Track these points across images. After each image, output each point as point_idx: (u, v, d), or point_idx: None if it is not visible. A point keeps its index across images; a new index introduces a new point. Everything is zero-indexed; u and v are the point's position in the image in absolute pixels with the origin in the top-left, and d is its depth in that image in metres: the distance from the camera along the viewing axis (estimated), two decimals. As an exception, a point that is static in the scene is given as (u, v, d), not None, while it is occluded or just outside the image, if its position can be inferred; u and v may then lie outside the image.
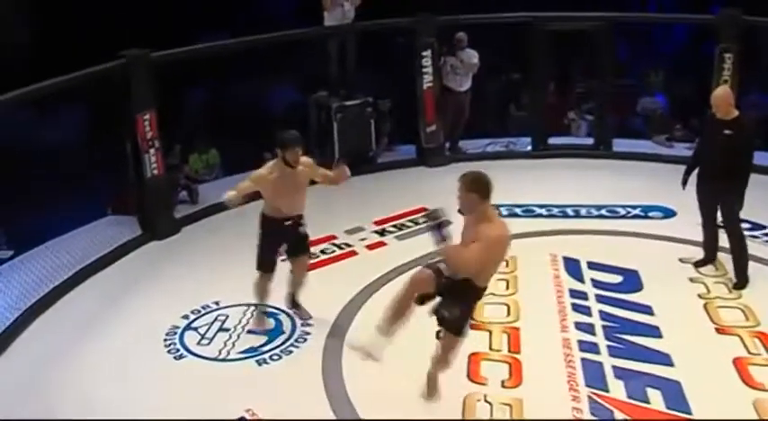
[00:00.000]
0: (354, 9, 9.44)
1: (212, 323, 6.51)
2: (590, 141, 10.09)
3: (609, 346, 5.98)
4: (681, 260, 7.11)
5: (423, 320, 5.76)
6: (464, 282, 4.98)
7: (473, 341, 6.03)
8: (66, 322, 6.64)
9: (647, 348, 5.96)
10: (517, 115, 11.45)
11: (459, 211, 5.04)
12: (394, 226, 8.20)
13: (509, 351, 5.97)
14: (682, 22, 11.98)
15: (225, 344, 6.20)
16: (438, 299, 5.16)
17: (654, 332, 6.15)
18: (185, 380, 5.83)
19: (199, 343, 6.24)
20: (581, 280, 6.96)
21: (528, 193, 8.73)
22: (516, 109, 11.59)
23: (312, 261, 7.44)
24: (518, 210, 8.39)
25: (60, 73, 7.35)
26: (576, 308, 6.50)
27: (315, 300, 6.64)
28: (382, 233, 8.08)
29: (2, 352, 6.24)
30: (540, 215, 8.32)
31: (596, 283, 6.86)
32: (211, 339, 6.29)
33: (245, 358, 6.03)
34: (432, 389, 5.33)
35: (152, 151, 7.88)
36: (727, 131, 6.48)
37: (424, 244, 7.86)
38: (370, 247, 7.80)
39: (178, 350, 6.15)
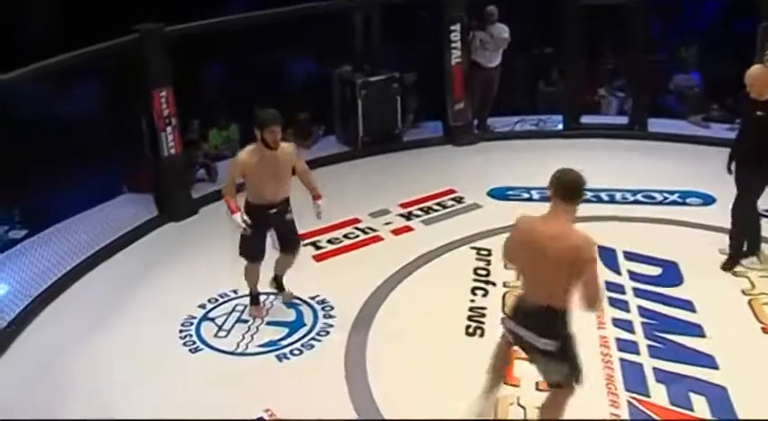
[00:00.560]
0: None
1: (230, 313, 6.17)
2: (623, 120, 9.61)
3: (649, 346, 5.58)
4: (722, 251, 6.67)
5: (453, 320, 5.45)
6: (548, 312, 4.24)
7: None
8: (76, 311, 6.32)
9: (689, 349, 5.56)
10: (546, 91, 10.94)
11: None
12: (420, 209, 7.81)
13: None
14: (718, -1, 11.41)
15: (243, 337, 5.86)
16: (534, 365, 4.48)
17: (696, 331, 5.74)
18: (201, 376, 5.49)
19: (216, 335, 5.91)
20: (617, 271, 6.54)
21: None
22: (545, 85, 11.10)
23: (335, 246, 7.15)
24: (550, 194, 7.98)
25: (78, 48, 6.98)
26: (612, 302, 6.05)
27: (338, 290, 6.35)
28: (408, 217, 7.68)
29: (12, 341, 5.92)
30: (572, 199, 7.90)
31: (633, 276, 6.44)
32: (229, 331, 5.95)
33: (265, 352, 5.69)
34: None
35: (169, 129, 7.51)
36: (759, 113, 6.10)
37: (451, 229, 7.65)
38: (396, 232, 7.40)
39: (194, 342, 5.81)
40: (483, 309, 6.09)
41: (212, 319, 6.10)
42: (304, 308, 6.21)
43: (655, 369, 5.35)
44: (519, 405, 5.07)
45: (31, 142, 7.89)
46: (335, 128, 9.46)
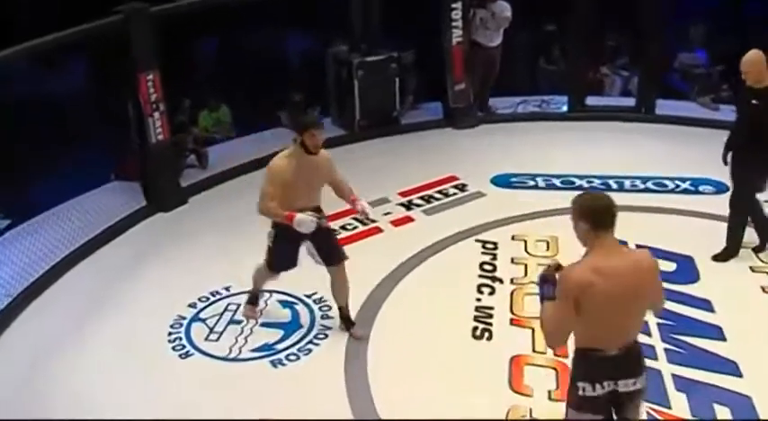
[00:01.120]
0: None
1: (222, 313, 5.75)
2: (630, 102, 9.14)
3: (667, 350, 5.20)
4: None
5: (459, 321, 5.06)
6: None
7: (514, 341, 5.34)
8: (60, 310, 5.90)
9: (709, 353, 5.18)
10: (547, 69, 10.46)
11: None
12: (421, 198, 7.37)
13: (555, 354, 5.17)
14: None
15: (236, 340, 5.45)
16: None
17: (716, 333, 5.37)
18: (191, 384, 5.10)
19: (207, 338, 5.50)
20: (630, 266, 6.15)
21: (566, 162, 7.88)
22: (546, 62, 10.62)
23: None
24: (557, 182, 7.54)
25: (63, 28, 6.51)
26: (626, 302, 5.71)
27: (329, 287, 5.86)
28: (408, 206, 7.24)
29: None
30: (580, 187, 7.40)
31: (647, 271, 6.05)
32: (221, 333, 5.54)
33: (259, 357, 5.29)
34: None
35: (156, 114, 7.02)
36: (754, 101, 5.73)
37: (454, 220, 7.20)
38: (396, 223, 6.97)
39: (184, 346, 5.41)
40: (490, 308, 5.69)
41: (203, 320, 5.69)
42: (300, 307, 5.81)
43: (674, 376, 4.97)
44: (531, 418, 4.69)
45: (14, 127, 7.46)
46: (331, 110, 8.98)
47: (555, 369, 5.04)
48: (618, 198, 7.20)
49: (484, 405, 4.77)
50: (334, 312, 5.63)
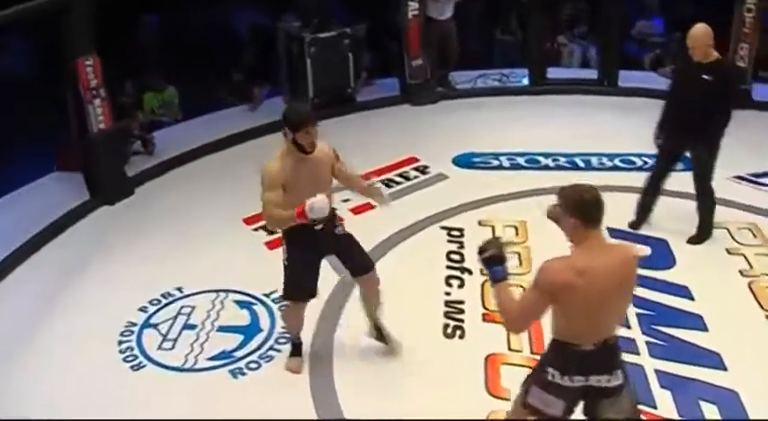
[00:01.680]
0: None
1: (175, 317, 5.30)
2: (592, 74, 8.81)
3: (648, 343, 4.90)
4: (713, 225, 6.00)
5: (429, 319, 4.68)
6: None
7: (488, 339, 4.98)
8: (-1, 319, 5.41)
9: (692, 345, 4.89)
10: (504, 40, 10.08)
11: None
12: (381, 181, 6.86)
13: (532, 351, 4.79)
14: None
15: (192, 348, 5.00)
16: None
17: (697, 323, 5.07)
18: (145, 399, 4.64)
19: (160, 346, 5.04)
20: (603, 252, 5.83)
21: (530, 139, 7.50)
22: (503, 33, 10.20)
23: (280, 233, 6.24)
24: (521, 161, 7.19)
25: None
26: (602, 291, 5.40)
27: None
28: None
29: None
30: (546, 166, 7.11)
31: (621, 256, 5.73)
32: (175, 340, 5.09)
33: (217, 367, 4.85)
34: None
35: (97, 102, 6.48)
36: (706, 76, 5.44)
37: (417, 205, 6.70)
38: (356, 211, 6.42)
39: (136, 357, 4.94)
40: (460, 303, 5.32)
41: (155, 326, 5.22)
42: (259, 308, 5.37)
43: (657, 372, 4.66)
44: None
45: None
46: (282, 89, 8.49)
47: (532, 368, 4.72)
48: (586, 177, 7.14)
49: (461, 410, 4.42)
50: (296, 312, 5.26)
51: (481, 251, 3.43)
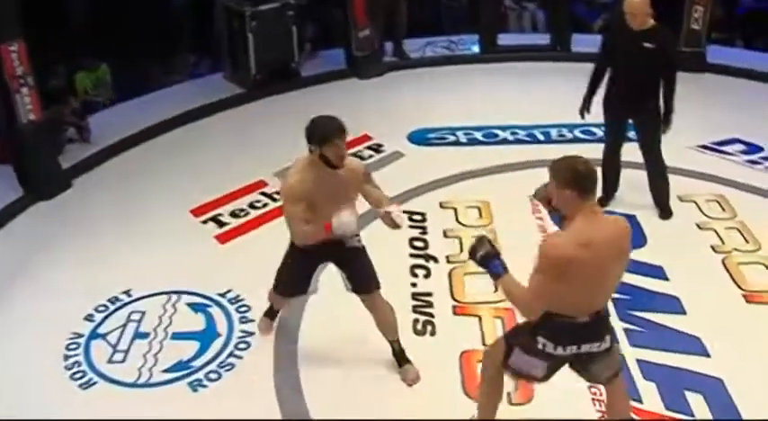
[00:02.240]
0: None
1: (125, 325, 4.84)
2: (544, 39, 8.46)
3: (627, 330, 4.65)
4: (681, 198, 5.77)
5: (397, 314, 4.36)
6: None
7: (461, 334, 4.68)
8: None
9: (671, 330, 4.67)
10: (452, 5, 9.67)
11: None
12: (334, 163, 6.54)
13: (508, 344, 4.56)
14: None
15: (145, 359, 4.57)
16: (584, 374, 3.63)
17: (675, 306, 4.85)
18: (98, 421, 4.27)
19: (111, 359, 4.58)
20: (571, 231, 5.55)
21: (485, 111, 7.17)
22: (448, -3, 9.82)
23: (240, 221, 5.86)
24: (479, 135, 6.86)
25: None
26: (574, 274, 5.12)
27: (251, 281, 5.04)
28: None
29: None
30: (505, 140, 6.79)
31: (589, 236, 5.45)
32: (126, 352, 4.64)
33: (174, 380, 4.42)
34: None
35: (25, 90, 5.86)
36: (646, 44, 5.21)
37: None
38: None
39: (84, 373, 4.47)
40: (428, 295, 5.00)
41: (104, 336, 4.76)
42: (214, 310, 4.95)
43: (639, 362, 4.43)
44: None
45: None
46: (223, 65, 7.97)
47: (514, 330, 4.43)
48: (546, 151, 6.82)
49: (440, 416, 4.13)
50: (255, 314, 4.83)
51: (473, 254, 3.42)
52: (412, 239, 5.52)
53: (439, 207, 5.88)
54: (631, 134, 5.70)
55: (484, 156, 6.47)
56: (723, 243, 5.39)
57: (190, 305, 5.00)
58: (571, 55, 8.01)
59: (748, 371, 4.36)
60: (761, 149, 6.49)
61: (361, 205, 4.18)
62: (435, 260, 5.31)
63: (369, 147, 6.75)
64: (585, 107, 5.61)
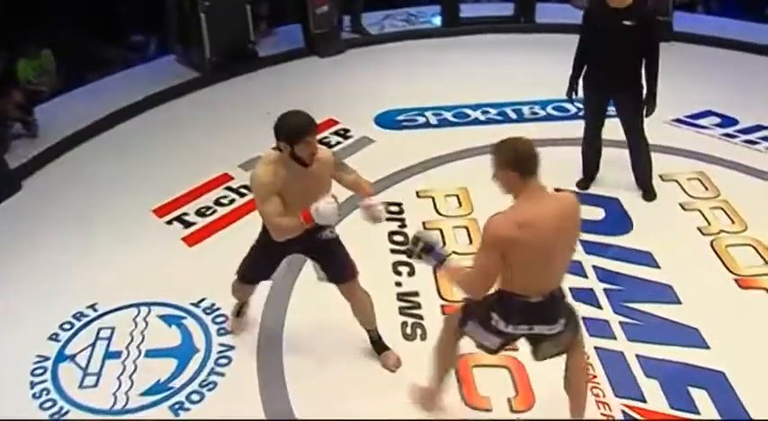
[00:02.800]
0: None
1: (94, 344, 4.45)
2: (508, 10, 8.14)
3: (623, 324, 4.44)
4: (663, 177, 5.58)
5: (384, 317, 4.08)
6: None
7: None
8: None
9: (668, 321, 4.47)
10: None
11: None
12: (301, 152, 6.17)
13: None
14: None
15: (120, 382, 4.19)
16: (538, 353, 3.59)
17: (669, 295, 4.66)
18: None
19: (82, 384, 4.20)
20: (554, 218, 5.32)
21: (453, 89, 6.89)
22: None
23: (207, 220, 5.48)
24: (449, 116, 6.56)
25: None
26: (563, 266, 4.90)
27: (226, 287, 4.43)
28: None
29: None
30: (476, 120, 6.52)
31: (575, 223, 5.22)
32: (98, 374, 4.26)
33: (154, 403, 4.07)
34: None
35: (-38, 88, 5.44)
36: (627, 22, 5.01)
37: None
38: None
39: (54, 402, 4.09)
40: (414, 295, 4.72)
41: (72, 358, 4.37)
42: (189, 322, 4.59)
43: (639, 357, 4.22)
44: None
45: None
46: (174, 47, 7.50)
47: (507, 368, 4.18)
48: (519, 130, 6.53)
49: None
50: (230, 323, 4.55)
51: (410, 254, 3.49)
52: (391, 233, 5.23)
53: (416, 196, 5.60)
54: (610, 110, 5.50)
55: (457, 139, 6.19)
56: (709, 224, 5.23)
57: (162, 317, 4.64)
58: (536, 26, 7.75)
59: (748, 363, 4.19)
60: (735, 122, 6.35)
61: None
62: (419, 256, 5.03)
63: (335, 133, 6.41)
64: (573, 89, 5.38)
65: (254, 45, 7.52)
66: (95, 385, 4.21)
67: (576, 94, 5.40)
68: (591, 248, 4.98)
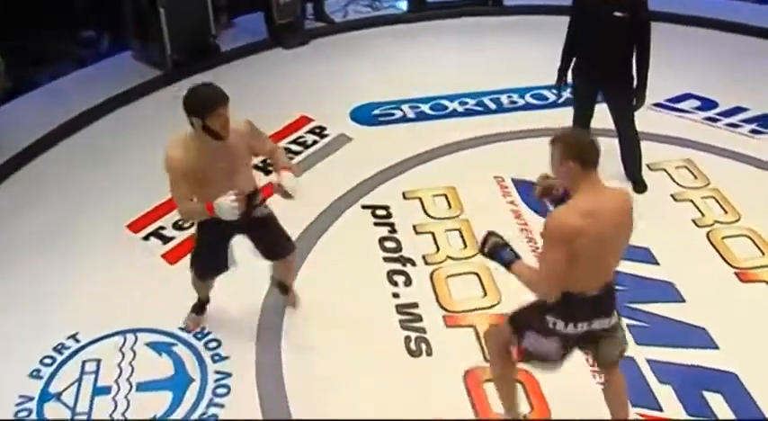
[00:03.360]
0: None
1: (80, 379, 4.13)
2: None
3: (630, 327, 4.20)
4: (651, 166, 5.42)
5: (385, 333, 3.87)
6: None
7: (459, 349, 4.22)
8: None
9: (675, 322, 4.35)
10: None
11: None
12: (278, 153, 5.87)
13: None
14: None
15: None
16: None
17: (672, 293, 4.54)
18: None
19: (71, 426, 3.97)
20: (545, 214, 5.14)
21: (427, 79, 6.63)
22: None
23: (186, 233, 5.09)
24: (426, 108, 6.32)
25: None
26: (562, 266, 4.73)
27: (215, 308, 4.37)
28: (266, 169, 5.47)
29: None
30: (455, 112, 6.28)
31: (569, 220, 5.04)
32: (89, 414, 3.95)
33: (152, 444, 3.87)
34: None
35: None
36: (617, 13, 4.86)
37: (327, 180, 5.47)
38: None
39: (43, 448, 3.85)
40: (414, 306, 4.48)
41: (58, 397, 4.04)
42: (180, 349, 4.29)
43: (650, 362, 4.09)
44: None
45: None
46: (131, 44, 7.07)
47: (520, 382, 4.03)
48: (500, 121, 6.32)
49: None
50: (226, 348, 4.24)
51: (482, 249, 3.31)
52: (382, 239, 5.00)
53: (402, 198, 5.35)
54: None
55: (437, 133, 5.96)
56: (703, 215, 5.12)
57: (151, 345, 4.33)
58: (504, 8, 7.52)
59: (758, 361, 4.10)
60: (715, 104, 6.25)
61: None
62: (413, 263, 4.79)
63: (311, 131, 6.11)
64: (562, 80, 5.19)
65: (215, 39, 7.14)
66: (86, 426, 3.96)
67: (566, 85, 5.21)
68: (588, 247, 4.86)
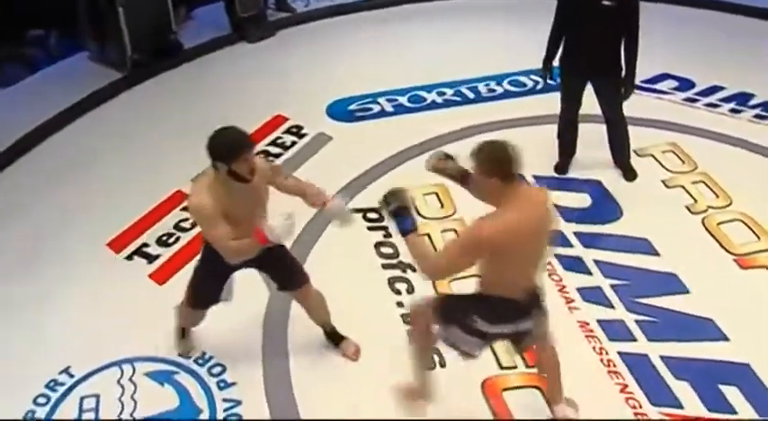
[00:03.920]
0: None
1: (80, 419, 3.87)
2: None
3: (639, 322, 4.25)
4: (639, 152, 5.34)
5: (394, 348, 3.74)
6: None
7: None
8: None
9: (683, 315, 4.31)
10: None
11: None
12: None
13: (527, 365, 3.98)
14: None
15: (122, 464, 3.73)
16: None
17: (676, 285, 4.49)
18: None
19: (75, 472, 3.71)
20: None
21: (401, 70, 6.43)
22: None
23: (172, 250, 4.87)
24: (404, 101, 6.12)
25: None
26: (564, 263, 4.61)
27: (213, 331, 4.13)
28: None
29: None
30: (434, 104, 6.10)
31: (563, 212, 4.86)
32: (95, 456, 3.78)
33: (165, 486, 3.66)
34: None
35: None
36: (606, 2, 4.75)
37: (322, 185, 5.14)
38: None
39: (48, 497, 3.61)
40: (420, 314, 4.39)
41: (58, 438, 3.86)
42: (183, 377, 4.07)
43: (664, 359, 4.05)
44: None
45: None
46: (87, 44, 6.67)
47: (538, 388, 3.92)
48: (481, 111, 6.15)
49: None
50: (232, 374, 4.04)
51: (387, 202, 3.28)
52: (377, 245, 4.83)
53: (392, 198, 5.18)
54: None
55: (418, 127, 5.76)
56: (696, 201, 5.07)
57: (151, 375, 4.09)
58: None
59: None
60: (693, 84, 6.19)
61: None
62: (413, 269, 4.60)
63: (288, 131, 5.85)
64: (548, 73, 5.04)
65: (176, 35, 6.78)
66: (95, 470, 3.73)
67: (552, 77, 5.07)
68: (588, 240, 4.76)
